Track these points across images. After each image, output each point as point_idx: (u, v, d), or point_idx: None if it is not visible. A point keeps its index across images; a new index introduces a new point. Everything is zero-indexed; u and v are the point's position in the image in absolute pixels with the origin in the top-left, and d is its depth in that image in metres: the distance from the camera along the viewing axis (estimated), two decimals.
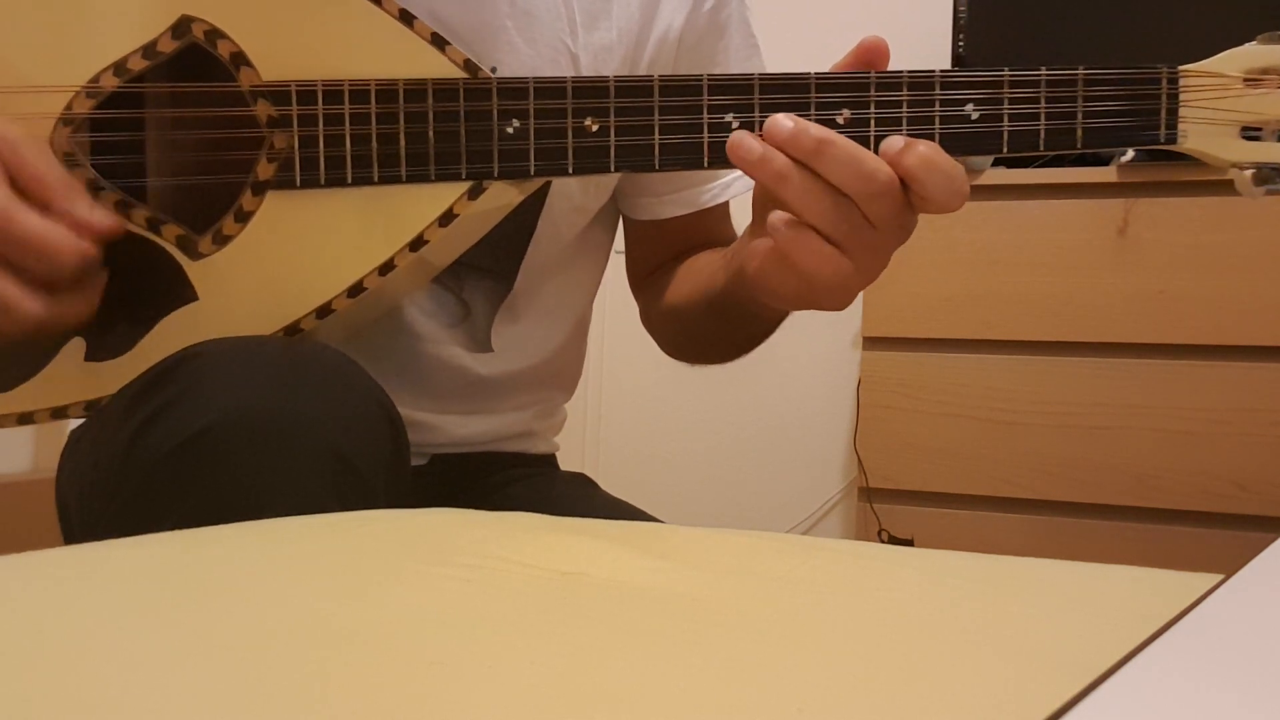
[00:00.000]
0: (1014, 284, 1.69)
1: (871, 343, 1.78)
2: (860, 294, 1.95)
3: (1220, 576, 0.38)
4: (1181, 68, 0.65)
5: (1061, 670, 0.34)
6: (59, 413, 0.71)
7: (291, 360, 0.64)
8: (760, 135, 0.62)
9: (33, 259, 0.63)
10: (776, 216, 0.62)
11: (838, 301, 0.66)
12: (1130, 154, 1.63)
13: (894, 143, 0.62)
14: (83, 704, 0.29)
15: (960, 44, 1.87)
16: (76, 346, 0.71)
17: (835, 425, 2.22)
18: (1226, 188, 1.65)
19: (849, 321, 2.05)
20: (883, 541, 1.73)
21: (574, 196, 0.85)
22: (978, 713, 0.31)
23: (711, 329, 0.86)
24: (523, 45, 0.81)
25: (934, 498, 1.74)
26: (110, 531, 0.61)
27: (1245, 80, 0.64)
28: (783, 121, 0.61)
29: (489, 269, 0.85)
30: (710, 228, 0.93)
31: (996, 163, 1.72)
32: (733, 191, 0.92)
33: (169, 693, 0.30)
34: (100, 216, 0.65)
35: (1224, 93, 0.64)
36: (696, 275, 0.87)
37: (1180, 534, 1.62)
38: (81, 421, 0.76)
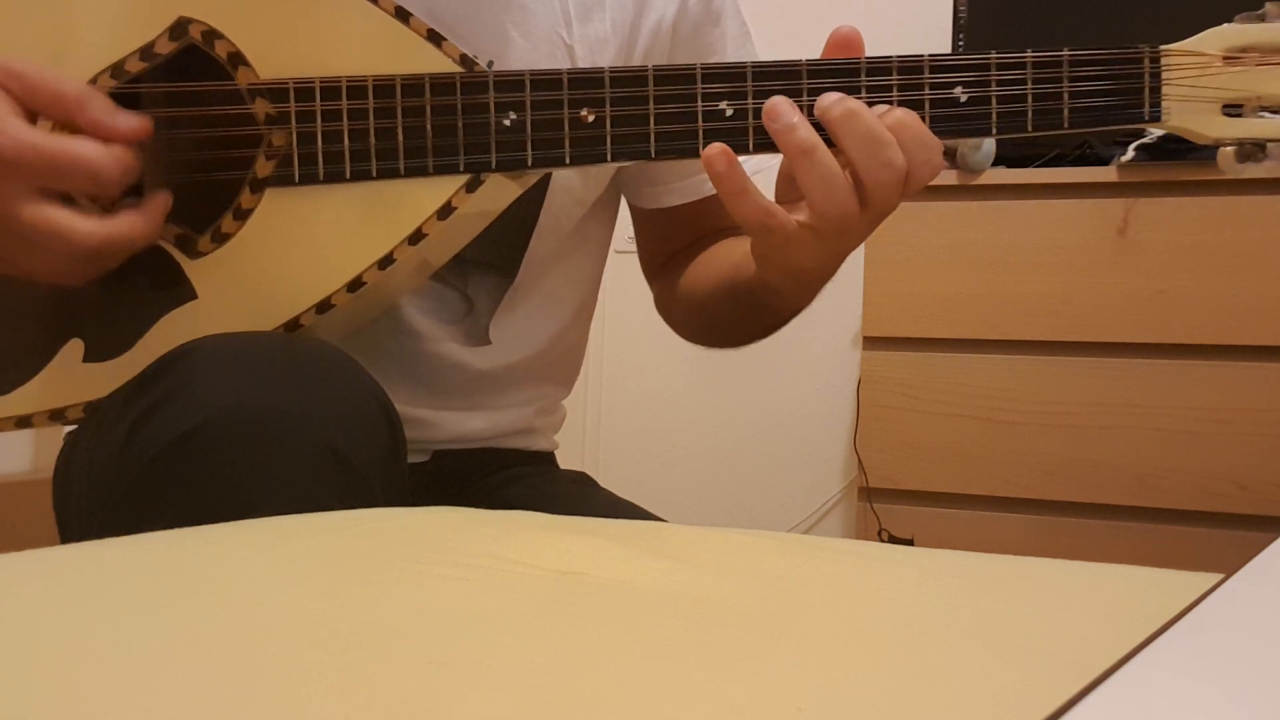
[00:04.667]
0: (1014, 284, 1.69)
1: (871, 343, 1.78)
2: (860, 293, 1.94)
3: (1220, 576, 0.38)
4: (1163, 47, 0.66)
5: (1061, 670, 0.34)
6: (57, 415, 0.71)
7: (287, 356, 0.64)
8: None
9: (72, 180, 0.63)
10: (713, 152, 0.64)
11: (816, 266, 0.69)
12: (1130, 154, 1.63)
13: (877, 108, 0.65)
14: (81, 703, 0.29)
15: (960, 43, 1.87)
16: (74, 348, 0.70)
17: (835, 425, 2.22)
18: (1226, 187, 1.66)
19: (849, 321, 2.05)
20: (883, 541, 1.73)
21: (574, 189, 0.86)
22: (978, 713, 0.31)
23: (732, 318, 0.86)
24: (518, 39, 0.81)
25: (934, 498, 1.74)
26: (107, 530, 0.61)
27: (1225, 58, 0.66)
28: (828, 95, 0.65)
29: (493, 264, 0.85)
30: (716, 214, 0.93)
31: (996, 162, 1.72)
32: None
33: (167, 692, 0.30)
34: (125, 119, 0.65)
35: (1205, 71, 0.66)
36: (715, 265, 0.88)
37: (1180, 534, 1.62)
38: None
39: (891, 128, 0.63)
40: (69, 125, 0.65)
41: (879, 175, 0.63)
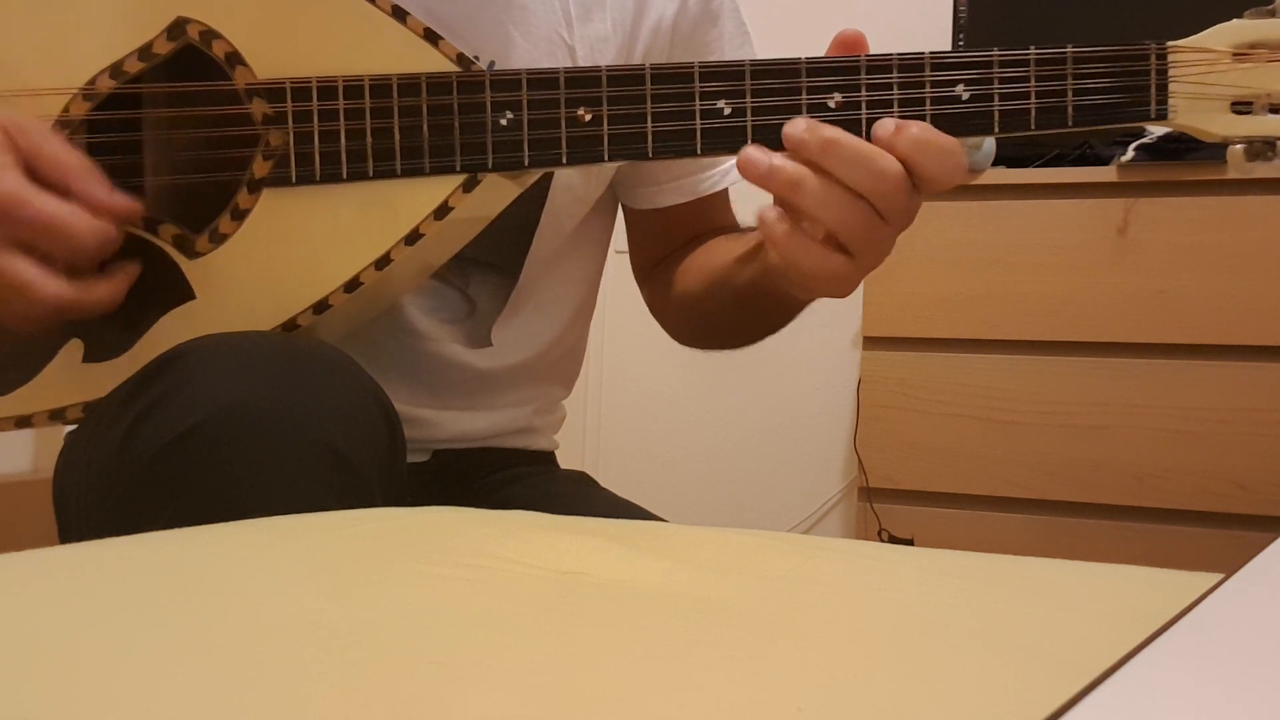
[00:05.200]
0: (1014, 284, 1.69)
1: (871, 343, 1.78)
2: (860, 294, 1.94)
3: (1220, 576, 0.38)
4: (1170, 44, 0.65)
5: (1061, 670, 0.34)
6: (57, 415, 0.71)
7: (285, 355, 0.64)
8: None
9: (51, 241, 0.64)
10: (769, 214, 0.63)
11: (838, 292, 0.67)
12: (1130, 153, 1.63)
13: (885, 126, 0.63)
14: (81, 703, 0.29)
15: (960, 43, 1.87)
16: (74, 348, 0.70)
17: (835, 425, 2.22)
18: (1226, 187, 1.66)
19: (849, 321, 2.05)
20: (883, 541, 1.73)
21: (575, 187, 0.86)
22: (978, 713, 0.31)
23: (734, 319, 0.86)
24: (519, 39, 0.81)
25: (934, 498, 1.74)
26: (106, 530, 0.60)
27: (1234, 55, 0.65)
28: (796, 123, 0.63)
29: (494, 264, 0.85)
30: (711, 215, 0.93)
31: (996, 162, 1.72)
32: (732, 178, 0.92)
33: (167, 692, 0.30)
34: (119, 198, 0.66)
35: (1213, 68, 0.65)
36: (711, 264, 0.87)
37: (1180, 534, 1.61)
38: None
39: (910, 151, 0.62)
40: (63, 192, 0.65)
41: (879, 186, 0.62)
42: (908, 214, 0.64)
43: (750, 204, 0.71)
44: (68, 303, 0.65)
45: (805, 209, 0.62)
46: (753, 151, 0.63)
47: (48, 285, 0.64)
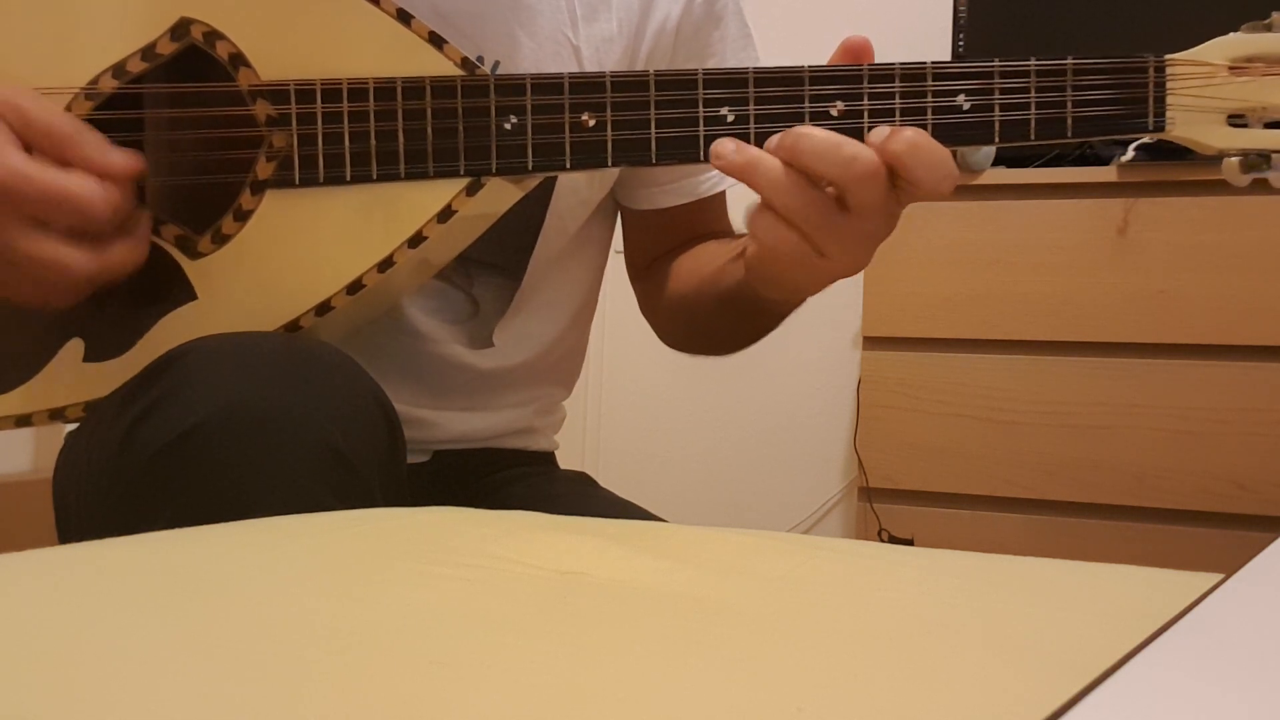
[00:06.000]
0: (1014, 284, 1.69)
1: (871, 343, 1.78)
2: (860, 293, 1.94)
3: (1220, 576, 0.38)
4: (1168, 56, 0.66)
5: (1061, 670, 0.34)
6: (57, 414, 0.71)
7: (286, 355, 0.64)
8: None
9: (62, 214, 0.63)
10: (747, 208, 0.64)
11: (816, 286, 0.69)
12: (1130, 153, 1.63)
13: (880, 131, 0.63)
14: (81, 703, 0.29)
15: (960, 43, 1.87)
16: (75, 347, 0.70)
17: (835, 425, 2.22)
18: (1226, 188, 1.65)
19: (849, 321, 2.05)
20: (883, 541, 1.73)
21: (580, 190, 0.86)
22: (978, 713, 0.31)
23: (720, 322, 0.86)
24: (524, 39, 0.81)
25: (934, 498, 1.74)
26: (105, 530, 0.60)
27: (1231, 68, 0.65)
28: (772, 138, 0.64)
29: (498, 265, 0.85)
30: (707, 218, 0.93)
31: (996, 162, 1.72)
32: (730, 181, 0.92)
33: (167, 692, 0.30)
34: (118, 158, 0.65)
35: (1210, 81, 0.65)
36: (702, 268, 0.88)
37: (1180, 534, 1.62)
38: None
39: (902, 152, 0.62)
40: (61, 161, 0.65)
41: (847, 172, 0.62)
42: (883, 214, 0.64)
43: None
44: (100, 271, 0.65)
45: (763, 192, 0.63)
46: (725, 143, 0.64)
47: (76, 257, 0.64)
